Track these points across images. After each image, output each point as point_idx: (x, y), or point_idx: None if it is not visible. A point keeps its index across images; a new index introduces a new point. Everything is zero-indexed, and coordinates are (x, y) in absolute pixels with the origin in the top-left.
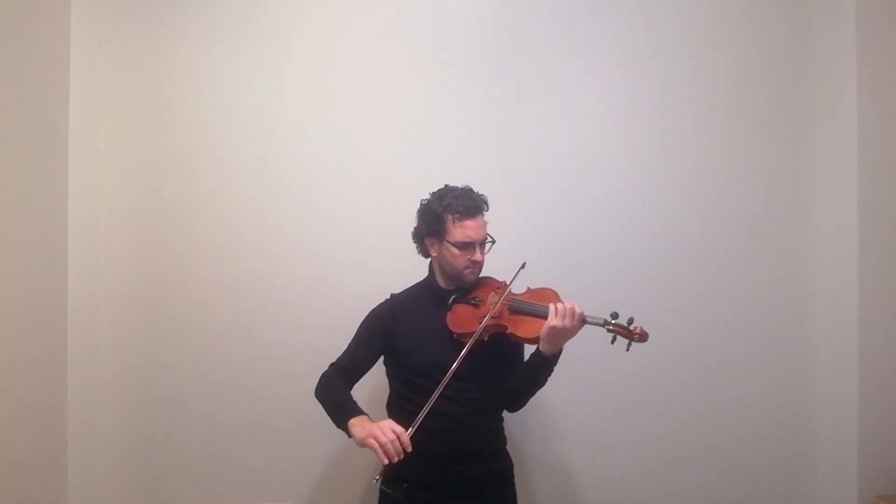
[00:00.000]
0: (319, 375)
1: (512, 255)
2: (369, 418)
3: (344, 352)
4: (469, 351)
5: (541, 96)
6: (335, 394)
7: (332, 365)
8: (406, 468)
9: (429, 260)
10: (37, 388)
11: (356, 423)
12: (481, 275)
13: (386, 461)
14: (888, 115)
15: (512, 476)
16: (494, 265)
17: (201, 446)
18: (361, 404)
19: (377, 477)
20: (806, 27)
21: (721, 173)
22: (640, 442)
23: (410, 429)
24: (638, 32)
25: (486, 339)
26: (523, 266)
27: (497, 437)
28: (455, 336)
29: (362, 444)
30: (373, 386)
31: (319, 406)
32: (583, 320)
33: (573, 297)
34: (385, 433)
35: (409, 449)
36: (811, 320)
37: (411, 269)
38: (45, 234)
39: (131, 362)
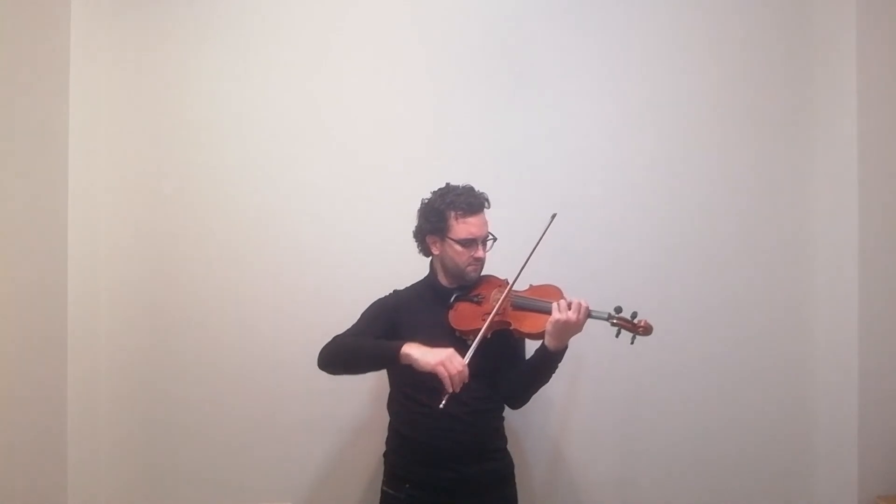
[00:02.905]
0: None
1: (514, 253)
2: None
3: (347, 330)
4: (476, 349)
5: (543, 96)
6: (360, 340)
7: (335, 337)
8: (407, 468)
9: (429, 259)
10: (37, 386)
11: (413, 347)
12: (483, 273)
13: (451, 391)
14: (888, 115)
15: (513, 476)
16: (495, 264)
17: (201, 446)
18: (361, 404)
19: (442, 405)
20: (806, 27)
21: (721, 172)
22: (640, 442)
23: (466, 356)
24: (639, 32)
25: (489, 335)
26: (554, 217)
27: (498, 436)
28: (458, 333)
29: (432, 369)
30: (373, 386)
31: (319, 406)
32: (588, 314)
33: (575, 295)
34: (455, 364)
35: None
36: (811, 320)
37: (412, 269)
38: (45, 233)
39: (131, 362)
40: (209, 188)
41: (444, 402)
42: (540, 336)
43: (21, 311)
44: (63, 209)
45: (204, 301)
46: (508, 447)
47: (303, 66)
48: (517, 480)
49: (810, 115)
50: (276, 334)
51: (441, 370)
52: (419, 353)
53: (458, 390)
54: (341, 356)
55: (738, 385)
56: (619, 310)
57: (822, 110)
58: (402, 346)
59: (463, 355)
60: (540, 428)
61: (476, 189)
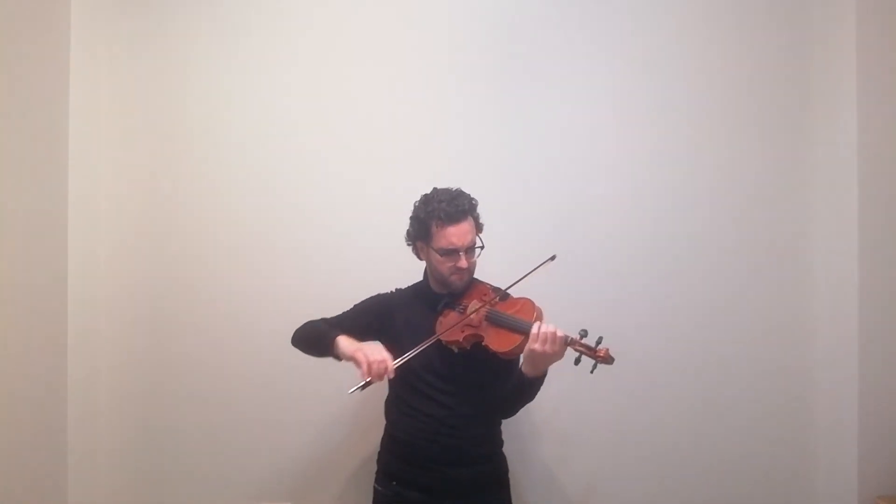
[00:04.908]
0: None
1: (511, 254)
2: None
3: (335, 316)
4: (463, 357)
5: (541, 98)
6: (319, 326)
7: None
8: (395, 466)
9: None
10: (37, 386)
11: (344, 339)
12: (476, 278)
13: (368, 377)
14: (888, 115)
15: (507, 479)
16: (492, 265)
17: (201, 446)
18: (360, 405)
19: (352, 390)
20: (806, 26)
21: (720, 173)
22: (638, 443)
23: (399, 360)
24: (639, 32)
25: (468, 347)
26: (552, 258)
27: (489, 441)
28: (444, 342)
29: (350, 356)
30: (371, 388)
31: (321, 406)
32: (564, 343)
33: (571, 297)
34: (375, 353)
35: (392, 376)
36: (811, 320)
37: (412, 270)
38: (45, 233)
39: (131, 362)
40: (208, 188)
41: (355, 388)
42: (508, 355)
43: (21, 311)
44: (63, 209)
45: (203, 301)
46: (504, 450)
47: (303, 67)
48: (512, 483)
49: (810, 115)
50: (276, 335)
51: (360, 356)
52: (346, 344)
53: (376, 379)
54: (303, 337)
55: (738, 385)
56: (583, 334)
57: (822, 110)
58: (337, 336)
59: (448, 363)
60: (534, 431)
61: (463, 193)
